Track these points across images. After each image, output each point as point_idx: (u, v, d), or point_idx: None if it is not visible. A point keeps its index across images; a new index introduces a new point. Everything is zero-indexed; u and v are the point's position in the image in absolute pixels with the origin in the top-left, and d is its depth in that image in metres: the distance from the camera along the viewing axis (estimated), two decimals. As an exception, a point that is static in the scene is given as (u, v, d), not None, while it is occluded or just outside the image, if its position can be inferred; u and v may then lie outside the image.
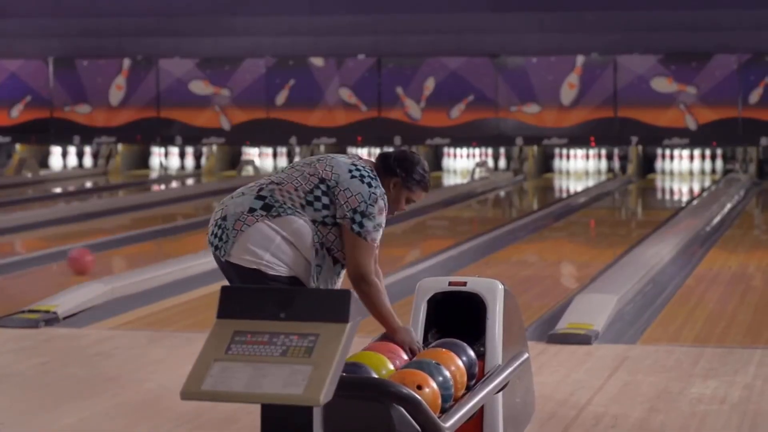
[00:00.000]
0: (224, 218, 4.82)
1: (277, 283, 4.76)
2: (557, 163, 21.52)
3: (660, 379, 6.64)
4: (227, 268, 4.84)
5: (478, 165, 21.12)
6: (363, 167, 4.85)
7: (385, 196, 4.85)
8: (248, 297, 3.98)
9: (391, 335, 4.92)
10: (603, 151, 21.28)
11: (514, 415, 5.31)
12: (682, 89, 20.20)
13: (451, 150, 21.72)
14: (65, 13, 22.46)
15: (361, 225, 4.76)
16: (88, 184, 20.86)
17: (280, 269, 4.77)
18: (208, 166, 22.31)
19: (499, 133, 20.86)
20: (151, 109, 21.96)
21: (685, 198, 18.29)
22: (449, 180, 20.82)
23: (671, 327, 8.25)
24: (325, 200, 4.79)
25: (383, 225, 4.84)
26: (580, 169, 21.32)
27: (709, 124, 20.17)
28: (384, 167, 4.91)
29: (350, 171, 4.80)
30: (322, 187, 4.79)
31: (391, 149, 21.52)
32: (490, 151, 21.68)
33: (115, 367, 7.04)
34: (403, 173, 4.91)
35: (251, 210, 4.78)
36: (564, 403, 6.14)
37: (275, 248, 4.77)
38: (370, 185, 4.79)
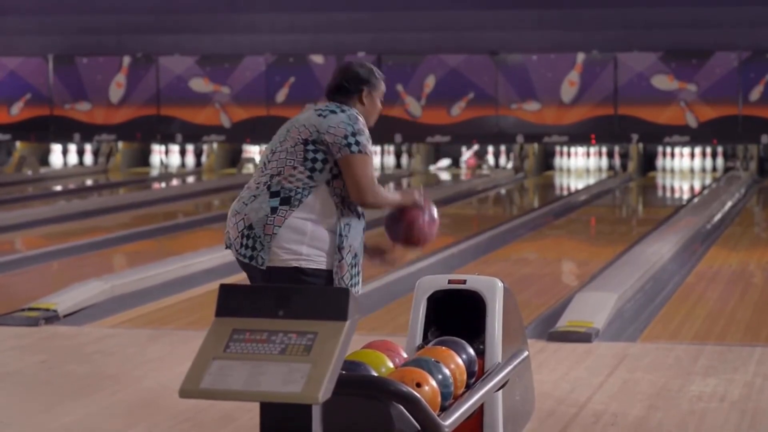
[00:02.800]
0: (250, 227, 4.78)
1: (316, 279, 4.77)
2: (558, 160, 21.51)
3: (660, 377, 6.64)
4: (265, 276, 4.78)
5: (477, 157, 21.12)
6: (326, 106, 4.89)
7: (360, 115, 4.89)
8: (247, 295, 3.98)
9: (405, 207, 5.02)
10: (603, 149, 21.27)
11: (513, 413, 5.31)
12: (682, 87, 20.19)
13: (452, 147, 21.74)
14: (65, 10, 22.45)
15: (357, 143, 4.80)
16: (89, 182, 20.86)
17: (319, 260, 4.79)
18: (208, 163, 22.31)
19: (500, 131, 20.85)
20: (152, 107, 21.96)
21: (685, 196, 18.29)
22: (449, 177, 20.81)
23: (671, 325, 8.25)
24: (320, 156, 4.80)
25: (370, 140, 4.89)
26: (580, 166, 21.31)
27: (710, 121, 20.16)
28: (347, 91, 4.95)
29: (319, 114, 4.84)
30: (310, 147, 4.80)
31: (392, 148, 21.67)
32: (490, 148, 21.69)
33: (115, 364, 7.04)
34: (366, 81, 4.96)
35: (273, 210, 4.76)
36: (564, 400, 6.13)
37: (309, 239, 4.78)
38: (343, 111, 4.85)
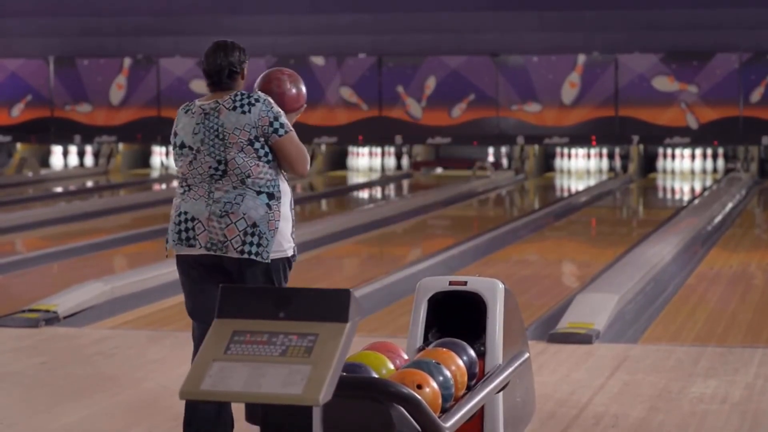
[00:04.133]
0: (254, 225, 4.96)
1: (287, 270, 5.07)
2: (558, 162, 21.51)
3: (660, 379, 6.63)
4: (263, 270, 4.98)
5: (478, 165, 21.13)
6: (238, 101, 5.06)
7: (261, 93, 5.14)
8: (247, 296, 3.97)
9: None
10: (604, 150, 21.27)
11: (514, 414, 5.30)
12: (683, 88, 20.19)
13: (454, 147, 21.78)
14: (66, 12, 22.45)
15: (281, 125, 5.03)
16: (89, 184, 20.85)
17: (292, 243, 5.10)
18: (208, 165, 22.28)
19: (500, 132, 20.85)
20: (152, 109, 21.96)
21: (686, 197, 18.28)
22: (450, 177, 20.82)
23: (672, 326, 8.25)
24: (266, 147, 5.03)
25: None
26: (581, 168, 21.30)
27: (711, 123, 20.15)
28: (236, 73, 5.19)
29: (242, 112, 5.02)
30: (257, 144, 5.00)
31: (392, 149, 21.67)
32: (491, 149, 21.68)
33: (115, 366, 7.04)
34: (245, 58, 5.28)
35: (268, 206, 4.99)
36: (564, 402, 6.13)
37: (291, 223, 5.10)
38: (257, 100, 5.06)
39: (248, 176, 4.97)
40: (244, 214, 4.95)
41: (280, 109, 5.08)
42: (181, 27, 22.18)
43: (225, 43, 5.23)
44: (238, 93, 5.08)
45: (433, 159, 21.98)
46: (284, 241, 5.04)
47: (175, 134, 5.16)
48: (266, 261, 4.95)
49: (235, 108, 5.02)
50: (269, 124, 5.00)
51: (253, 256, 4.94)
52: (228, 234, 4.96)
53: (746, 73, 20.03)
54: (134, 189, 19.74)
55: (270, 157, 5.01)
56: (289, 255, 5.06)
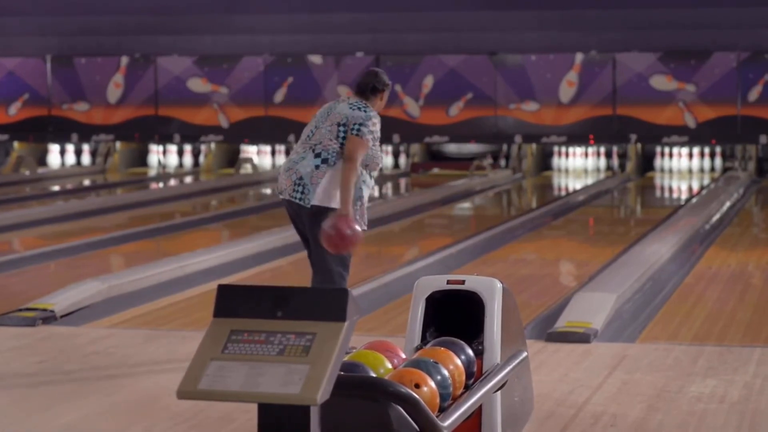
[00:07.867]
0: (301, 178, 6.74)
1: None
2: (556, 161, 21.51)
3: (659, 378, 6.62)
4: (309, 212, 6.68)
5: (476, 164, 21.12)
6: (356, 103, 6.84)
7: (377, 115, 6.82)
8: (245, 296, 3.95)
9: (339, 211, 6.67)
10: (602, 149, 21.27)
11: (512, 414, 5.29)
12: (681, 87, 20.18)
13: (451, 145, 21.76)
14: (63, 11, 22.43)
15: (359, 130, 6.76)
16: (86, 182, 20.84)
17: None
18: (206, 164, 22.29)
19: (498, 131, 20.84)
20: (150, 107, 21.94)
21: (684, 196, 18.28)
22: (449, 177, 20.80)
23: (670, 325, 8.24)
24: (345, 134, 6.73)
25: (376, 134, 6.80)
26: (578, 167, 21.30)
27: (709, 122, 20.16)
28: (376, 90, 6.90)
29: (350, 107, 6.82)
30: (341, 128, 6.76)
31: (389, 147, 21.66)
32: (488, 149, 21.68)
33: (112, 365, 7.02)
34: (387, 84, 6.94)
35: (317, 167, 6.72)
36: (563, 402, 6.12)
37: (357, 201, 6.72)
38: (365, 111, 6.81)
39: (320, 143, 6.76)
40: (296, 170, 6.73)
41: (372, 125, 6.77)
42: (178, 26, 22.16)
43: (376, 70, 7.00)
44: (363, 102, 6.85)
45: (430, 160, 21.98)
46: (331, 199, 6.64)
47: None
48: (307, 206, 6.67)
49: (351, 107, 6.82)
50: (355, 124, 6.74)
51: (298, 201, 6.72)
52: (286, 184, 6.77)
53: (744, 72, 20.03)
54: (131, 188, 19.72)
55: (344, 141, 6.73)
56: (332, 206, 6.61)
